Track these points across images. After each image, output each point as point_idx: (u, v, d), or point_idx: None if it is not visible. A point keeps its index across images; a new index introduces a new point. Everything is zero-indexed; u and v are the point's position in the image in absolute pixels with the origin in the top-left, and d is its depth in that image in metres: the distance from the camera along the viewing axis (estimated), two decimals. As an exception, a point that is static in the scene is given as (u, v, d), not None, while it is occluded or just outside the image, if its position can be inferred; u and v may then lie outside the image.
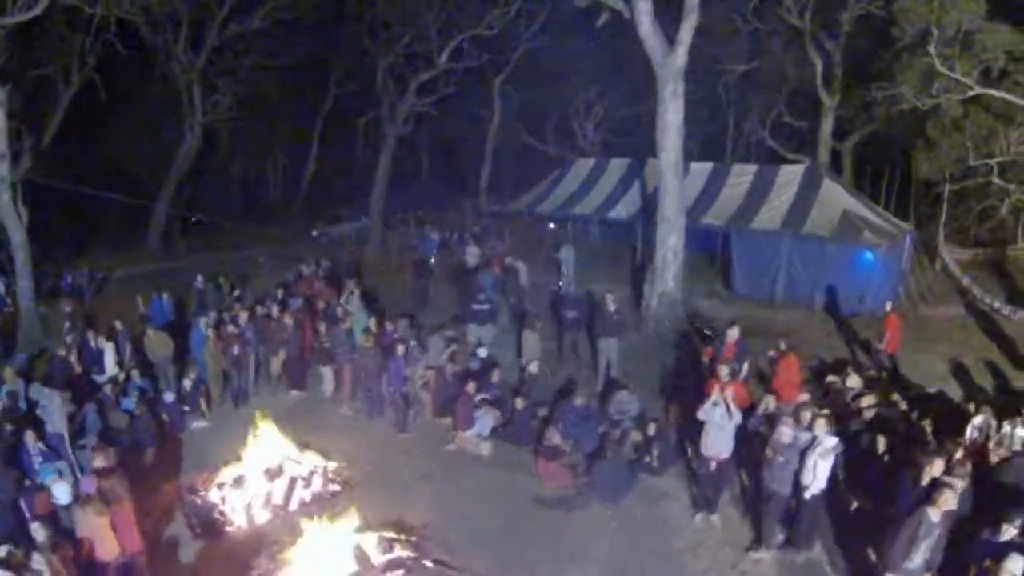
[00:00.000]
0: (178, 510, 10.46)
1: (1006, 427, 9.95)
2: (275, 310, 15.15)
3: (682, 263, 16.60)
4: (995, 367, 14.45)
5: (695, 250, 20.86)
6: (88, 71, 23.69)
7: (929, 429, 10.60)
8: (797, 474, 8.73)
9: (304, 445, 11.91)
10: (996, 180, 18.01)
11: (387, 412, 13.18)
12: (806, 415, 9.12)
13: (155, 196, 26.59)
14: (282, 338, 14.33)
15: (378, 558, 8.92)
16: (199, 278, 18.18)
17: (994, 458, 9.52)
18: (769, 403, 10.40)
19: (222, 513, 10.41)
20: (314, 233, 27.10)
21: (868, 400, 11.46)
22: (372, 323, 14.12)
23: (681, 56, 15.63)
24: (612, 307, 13.66)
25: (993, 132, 18.25)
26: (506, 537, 9.65)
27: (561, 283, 18.64)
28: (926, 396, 12.27)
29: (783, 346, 12.25)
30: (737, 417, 9.47)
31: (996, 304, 17.81)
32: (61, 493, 9.48)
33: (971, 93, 16.52)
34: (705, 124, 29.63)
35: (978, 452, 9.75)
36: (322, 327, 14.30)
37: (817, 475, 8.61)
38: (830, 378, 12.68)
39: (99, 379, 13.77)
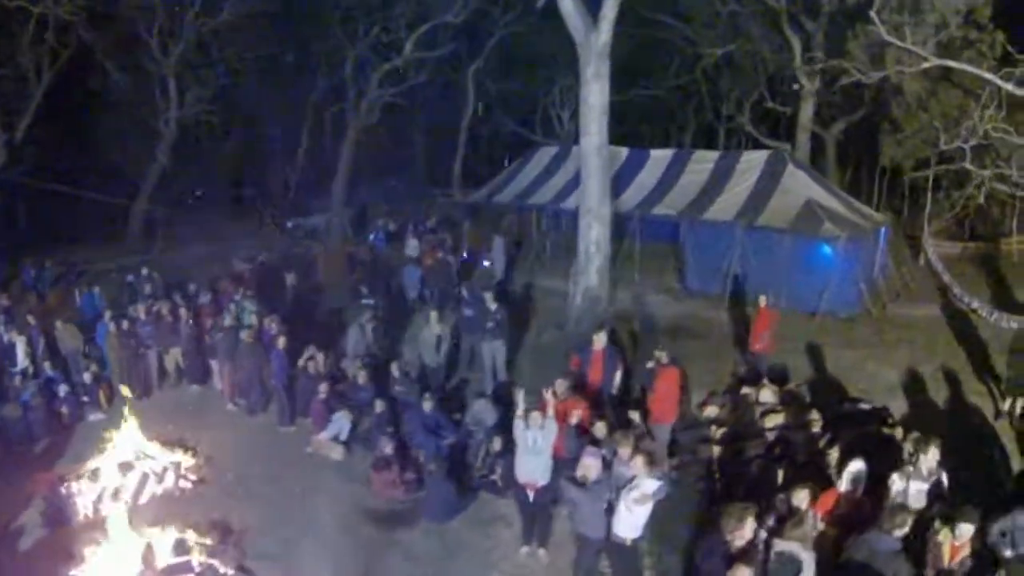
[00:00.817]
0: (38, 499, 10.37)
1: (895, 480, 7.52)
2: (167, 308, 14.86)
3: (607, 256, 15.71)
4: (955, 378, 12.84)
5: (653, 242, 19.99)
6: (61, 65, 23.88)
7: (835, 458, 8.79)
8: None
9: (173, 441, 11.81)
10: (968, 165, 16.42)
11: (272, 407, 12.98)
12: (625, 449, 7.86)
13: (136, 191, 26.87)
14: (172, 334, 14.11)
15: (164, 561, 8.53)
16: (143, 272, 18.21)
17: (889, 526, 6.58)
18: (598, 428, 9.22)
19: (73, 504, 10.28)
20: (289, 224, 27.01)
21: (773, 419, 10.26)
22: (253, 319, 13.80)
23: (605, 33, 14.79)
24: (492, 307, 12.93)
25: (964, 111, 16.69)
26: (319, 550, 9.08)
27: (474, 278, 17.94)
28: (852, 415, 10.43)
29: (664, 358, 10.85)
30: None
31: (975, 304, 16.38)
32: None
33: (925, 65, 14.98)
34: (697, 113, 28.48)
35: (855, 507, 7.57)
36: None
37: (630, 521, 7.35)
38: (744, 390, 11.58)
39: (12, 371, 13.92)
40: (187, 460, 11.37)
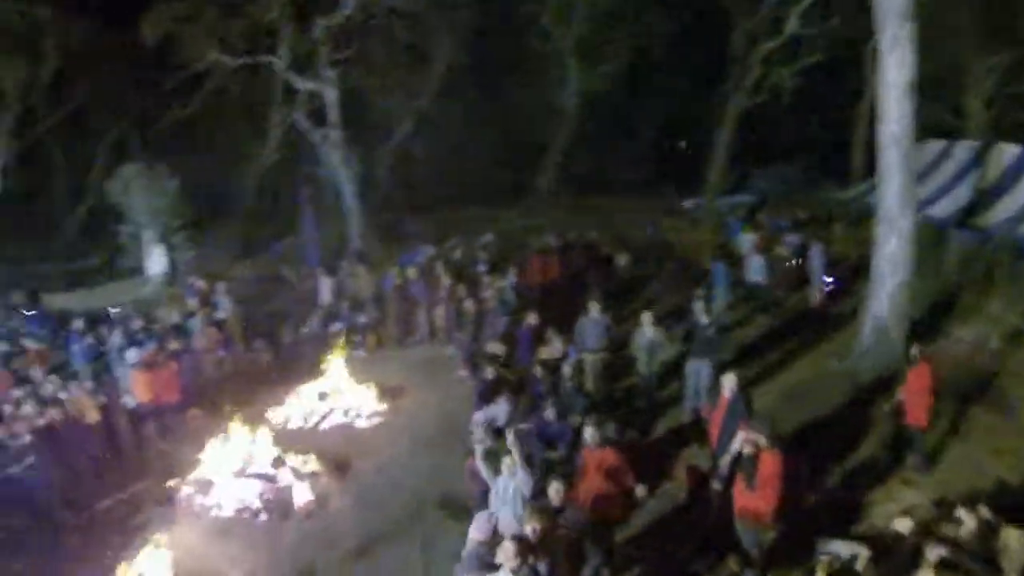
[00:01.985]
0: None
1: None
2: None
3: (905, 278, 12.16)
4: None
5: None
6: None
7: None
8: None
9: (386, 389, 13.10)
10: None
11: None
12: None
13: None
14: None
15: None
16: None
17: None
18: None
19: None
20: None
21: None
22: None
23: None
24: (702, 319, 11.10)
25: None
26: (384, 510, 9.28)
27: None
28: None
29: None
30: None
31: None
32: None
33: None
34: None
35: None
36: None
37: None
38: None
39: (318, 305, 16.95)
40: (376, 405, 12.51)
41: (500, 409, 10.09)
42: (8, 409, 10.68)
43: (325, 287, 16.99)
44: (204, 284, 16.72)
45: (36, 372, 12.60)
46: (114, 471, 10.76)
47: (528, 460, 7.60)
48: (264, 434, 10.90)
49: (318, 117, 22.73)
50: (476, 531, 6.63)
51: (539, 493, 7.20)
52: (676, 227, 21.61)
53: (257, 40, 21.29)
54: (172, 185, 19.18)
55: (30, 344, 14.33)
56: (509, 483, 7.19)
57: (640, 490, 7.85)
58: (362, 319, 15.95)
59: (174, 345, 13.05)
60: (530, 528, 6.03)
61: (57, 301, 18.64)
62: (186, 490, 10.15)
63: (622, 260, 17.14)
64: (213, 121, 26.44)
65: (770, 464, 6.96)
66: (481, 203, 26.52)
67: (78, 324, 14.39)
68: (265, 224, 26.46)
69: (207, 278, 17.18)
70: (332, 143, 22.44)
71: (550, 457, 9.25)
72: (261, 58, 21.37)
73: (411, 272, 16.10)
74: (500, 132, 29.88)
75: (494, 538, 6.50)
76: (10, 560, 8.78)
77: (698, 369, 10.72)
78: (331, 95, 22.33)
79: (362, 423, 12.19)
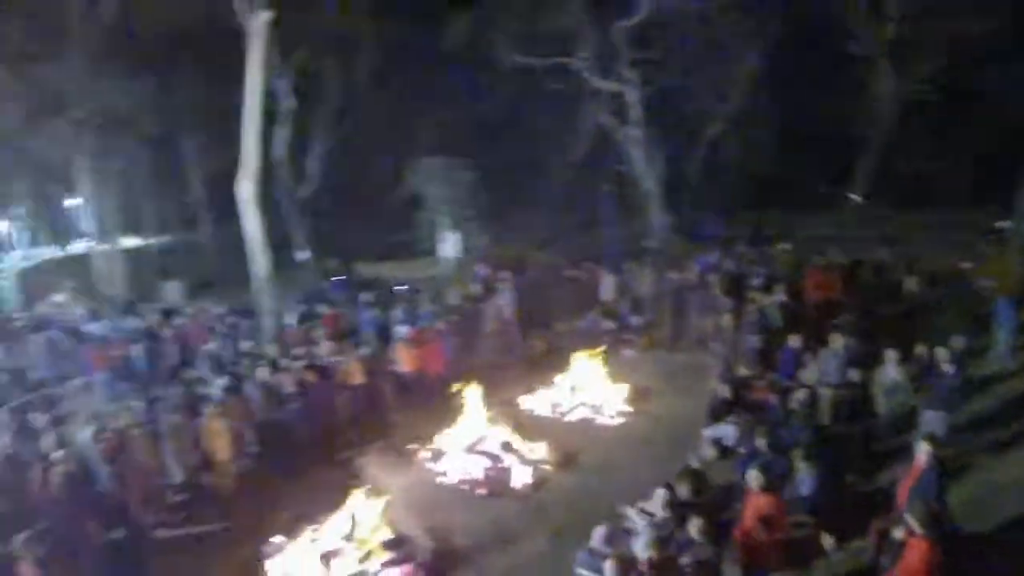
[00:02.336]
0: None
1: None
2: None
3: None
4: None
5: None
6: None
7: None
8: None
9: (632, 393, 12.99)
10: None
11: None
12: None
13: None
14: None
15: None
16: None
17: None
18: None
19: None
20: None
21: None
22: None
23: None
24: (945, 367, 9.33)
25: None
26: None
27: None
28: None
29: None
30: None
31: None
32: None
33: None
34: None
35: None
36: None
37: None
38: None
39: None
40: (621, 405, 12.44)
41: (728, 430, 9.34)
42: (284, 363, 12.35)
43: (608, 284, 17.21)
44: (490, 271, 17.60)
45: (319, 333, 14.33)
46: (369, 428, 11.87)
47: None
48: (504, 417, 11.41)
49: (625, 115, 22.92)
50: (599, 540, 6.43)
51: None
52: (983, 251, 18.18)
53: (560, 42, 22.06)
54: (468, 177, 20.59)
55: (323, 308, 16.28)
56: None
57: (827, 540, 7.12)
58: (635, 319, 15.76)
59: (441, 325, 13.91)
60: (646, 555, 5.49)
61: (369, 270, 21.13)
62: (423, 455, 10.95)
63: (911, 284, 14.79)
64: (523, 117, 28.12)
65: (916, 553, 5.74)
66: (791, 208, 25.53)
67: (367, 296, 16.06)
68: (568, 217, 27.53)
69: (494, 266, 18.08)
70: (634, 141, 22.49)
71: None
72: (562, 59, 22.00)
73: (690, 276, 15.78)
74: (813, 137, 27.65)
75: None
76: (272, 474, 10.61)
77: (931, 420, 9.19)
78: (632, 95, 22.39)
79: (603, 420, 12.17)
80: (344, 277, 20.29)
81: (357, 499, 8.93)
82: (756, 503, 6.40)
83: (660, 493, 7.72)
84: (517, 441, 10.75)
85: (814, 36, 24.61)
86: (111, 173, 28.27)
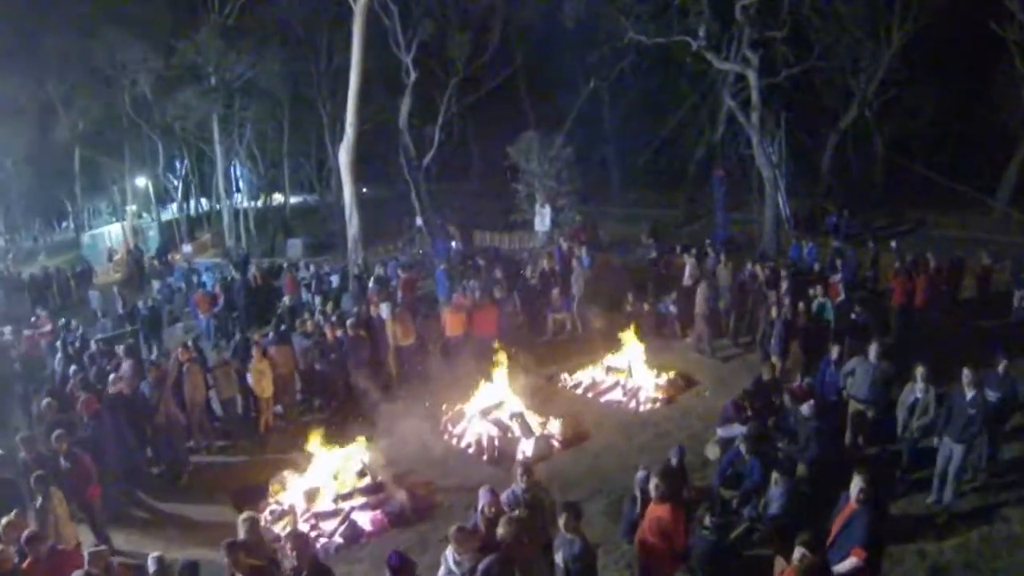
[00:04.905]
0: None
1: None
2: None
3: None
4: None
5: None
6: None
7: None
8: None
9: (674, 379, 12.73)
10: None
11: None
12: None
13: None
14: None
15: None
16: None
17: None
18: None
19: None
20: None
21: None
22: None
23: None
24: (968, 393, 7.96)
25: None
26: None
27: None
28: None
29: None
30: None
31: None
32: None
33: None
34: None
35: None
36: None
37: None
38: None
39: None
40: (654, 392, 12.19)
41: (737, 431, 8.95)
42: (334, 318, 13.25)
43: (688, 269, 16.65)
44: (568, 247, 17.67)
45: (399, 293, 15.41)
46: (407, 386, 12.69)
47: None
48: (531, 389, 11.75)
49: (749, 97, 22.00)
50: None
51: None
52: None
53: (681, 19, 21.43)
54: (566, 154, 20.54)
55: (400, 272, 17.10)
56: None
57: (780, 564, 5.85)
58: (705, 309, 15.13)
59: (498, 293, 14.30)
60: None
61: (482, 239, 22.89)
62: (446, 415, 11.51)
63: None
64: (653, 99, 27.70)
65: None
66: (932, 206, 23.94)
67: (442, 264, 16.72)
68: (684, 201, 26.97)
69: (574, 243, 18.13)
70: (752, 125, 21.55)
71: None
72: (676, 37, 21.35)
73: (758, 269, 15.11)
74: (965, 130, 25.27)
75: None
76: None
77: (950, 452, 8.08)
78: (753, 76, 21.38)
79: (632, 406, 11.98)
80: (454, 244, 21.11)
81: (356, 445, 9.51)
82: (654, 512, 6.12)
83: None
84: (530, 414, 10.87)
85: (969, 17, 22.34)
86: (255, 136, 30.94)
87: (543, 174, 20.16)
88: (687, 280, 16.56)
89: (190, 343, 13.34)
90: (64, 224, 45.87)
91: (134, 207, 34.81)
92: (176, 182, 37.29)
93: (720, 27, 21.88)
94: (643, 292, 16.46)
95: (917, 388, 8.66)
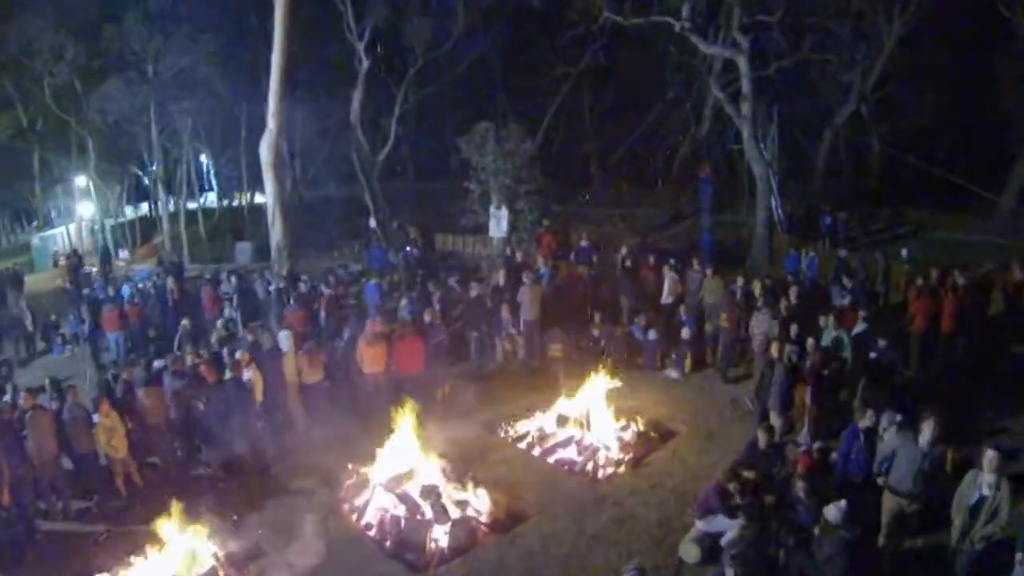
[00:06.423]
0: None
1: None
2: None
3: None
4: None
5: None
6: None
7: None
8: None
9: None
10: None
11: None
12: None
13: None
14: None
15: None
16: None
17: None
18: None
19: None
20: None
21: None
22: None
23: None
24: None
25: None
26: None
27: None
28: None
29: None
30: None
31: None
32: None
33: None
34: None
35: None
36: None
37: None
38: None
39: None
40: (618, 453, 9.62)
41: (723, 527, 6.39)
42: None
43: (670, 285, 14.06)
44: (520, 256, 15.23)
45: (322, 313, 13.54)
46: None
47: None
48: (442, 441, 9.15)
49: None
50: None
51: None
52: None
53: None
54: (525, 148, 17.81)
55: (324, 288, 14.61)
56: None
57: None
58: (685, 333, 12.65)
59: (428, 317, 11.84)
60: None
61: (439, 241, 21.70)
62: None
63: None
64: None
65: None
66: (932, 206, 22.00)
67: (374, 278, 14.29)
68: (666, 202, 24.57)
69: (539, 252, 15.65)
70: (743, 118, 19.00)
71: None
72: (657, 18, 18.76)
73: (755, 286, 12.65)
74: (967, 123, 22.89)
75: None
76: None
77: None
78: (743, 63, 18.80)
79: (590, 468, 9.34)
80: (409, 248, 18.44)
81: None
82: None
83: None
84: (449, 487, 8.23)
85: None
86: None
87: (497, 171, 17.45)
88: (666, 298, 14.07)
89: (47, 382, 10.73)
90: (34, 223, 43.40)
91: (93, 207, 31.94)
92: (147, 180, 34.60)
93: (706, 7, 19.31)
94: (615, 311, 13.95)
95: (983, 481, 6.05)
